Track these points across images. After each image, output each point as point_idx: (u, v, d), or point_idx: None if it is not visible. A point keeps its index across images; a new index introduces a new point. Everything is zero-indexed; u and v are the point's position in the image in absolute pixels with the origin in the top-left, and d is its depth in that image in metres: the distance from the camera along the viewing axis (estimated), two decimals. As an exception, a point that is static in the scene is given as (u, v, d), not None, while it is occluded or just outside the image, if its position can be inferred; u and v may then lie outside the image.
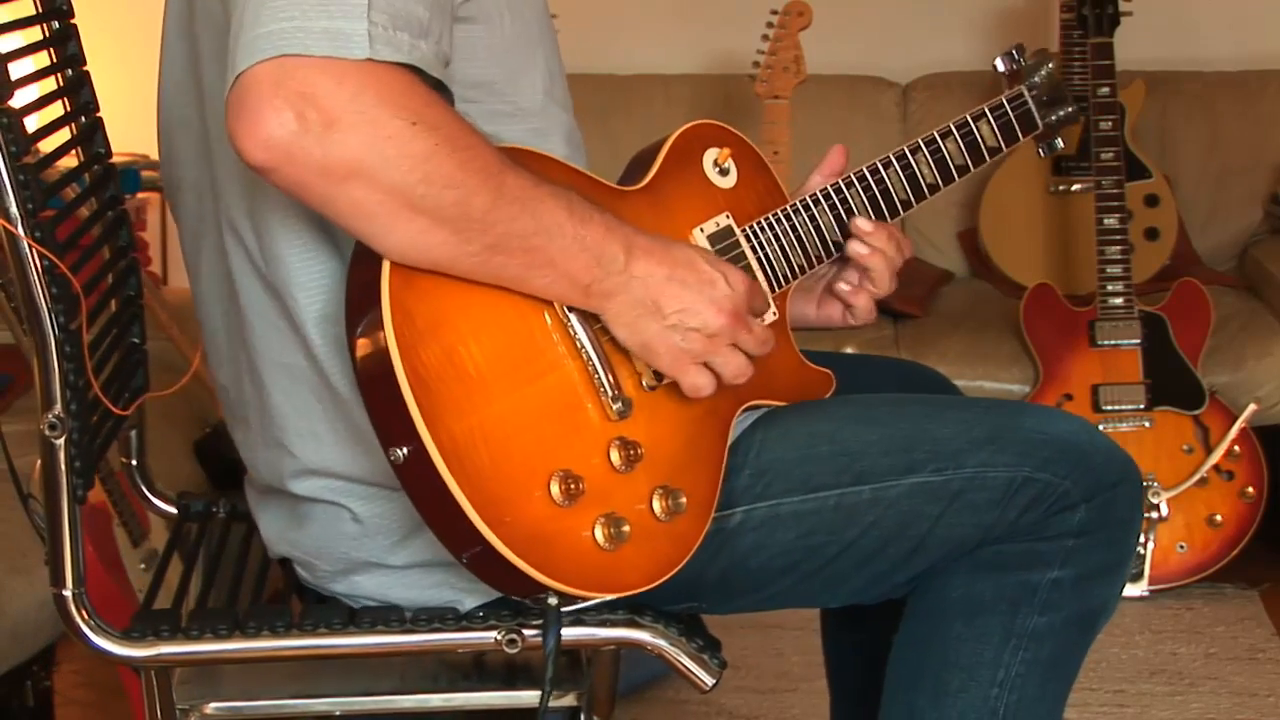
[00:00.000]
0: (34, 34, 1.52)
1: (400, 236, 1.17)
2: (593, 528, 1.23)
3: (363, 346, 1.19)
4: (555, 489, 1.21)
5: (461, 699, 1.45)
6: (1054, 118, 1.61)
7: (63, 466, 1.36)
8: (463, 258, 1.19)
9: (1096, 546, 1.37)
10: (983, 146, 1.57)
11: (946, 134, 1.55)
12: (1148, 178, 3.33)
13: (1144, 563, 2.89)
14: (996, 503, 1.34)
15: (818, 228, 1.47)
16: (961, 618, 1.38)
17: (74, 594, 1.37)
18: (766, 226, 1.44)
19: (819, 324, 1.55)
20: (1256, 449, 2.94)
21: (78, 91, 1.57)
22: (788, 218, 1.46)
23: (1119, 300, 2.99)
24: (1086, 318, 3.01)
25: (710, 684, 1.36)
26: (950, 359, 3.12)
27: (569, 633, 1.31)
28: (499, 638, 1.34)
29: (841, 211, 1.49)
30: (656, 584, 1.26)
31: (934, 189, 1.54)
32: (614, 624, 1.35)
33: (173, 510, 1.76)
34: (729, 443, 1.36)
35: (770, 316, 1.42)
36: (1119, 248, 2.98)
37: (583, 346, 1.26)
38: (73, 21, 1.57)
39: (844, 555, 1.37)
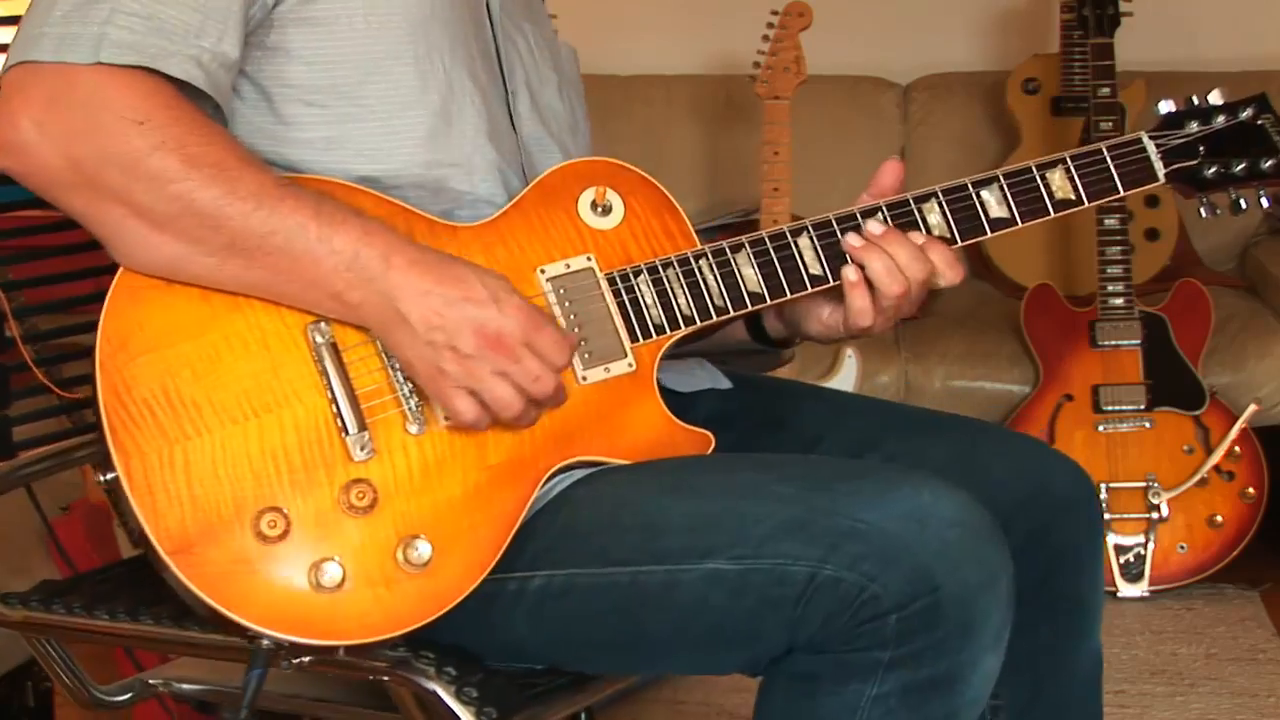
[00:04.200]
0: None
1: (131, 239, 1.19)
2: (307, 570, 1.19)
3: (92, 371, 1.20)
4: (262, 526, 1.18)
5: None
6: (1213, 170, 1.40)
7: None
8: (198, 258, 1.19)
9: (919, 660, 1.15)
10: (1048, 201, 1.37)
11: (987, 182, 1.37)
12: (1148, 178, 3.32)
13: (1144, 563, 2.89)
14: (795, 602, 1.16)
15: (730, 274, 1.34)
16: None
17: None
18: (647, 271, 1.33)
19: (826, 332, 1.41)
20: (1257, 449, 2.94)
21: None
22: (683, 263, 1.33)
23: (1119, 301, 2.98)
24: (1087, 318, 3.01)
25: None
26: (950, 359, 3.12)
27: (352, 659, 1.24)
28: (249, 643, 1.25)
29: (774, 258, 1.34)
30: (385, 638, 1.20)
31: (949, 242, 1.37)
32: (389, 658, 1.26)
33: None
34: (537, 497, 1.27)
35: (624, 368, 1.31)
36: (1119, 248, 2.98)
37: (329, 383, 1.22)
38: None
39: (649, 637, 1.25)
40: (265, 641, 1.19)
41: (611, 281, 1.33)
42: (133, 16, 1.17)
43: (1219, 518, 2.91)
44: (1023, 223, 1.37)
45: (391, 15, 1.30)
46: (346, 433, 1.21)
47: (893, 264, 1.34)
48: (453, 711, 1.24)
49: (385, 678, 1.27)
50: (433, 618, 1.21)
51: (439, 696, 1.25)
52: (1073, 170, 1.37)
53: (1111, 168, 1.38)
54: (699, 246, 1.35)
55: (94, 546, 2.27)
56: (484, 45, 1.40)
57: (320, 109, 1.28)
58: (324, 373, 1.22)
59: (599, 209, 1.35)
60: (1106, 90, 3.05)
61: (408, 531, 1.21)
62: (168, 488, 1.17)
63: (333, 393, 1.22)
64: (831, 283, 1.35)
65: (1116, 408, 2.95)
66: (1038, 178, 1.37)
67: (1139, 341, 2.97)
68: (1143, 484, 2.90)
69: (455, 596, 1.22)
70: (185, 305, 1.21)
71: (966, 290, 3.46)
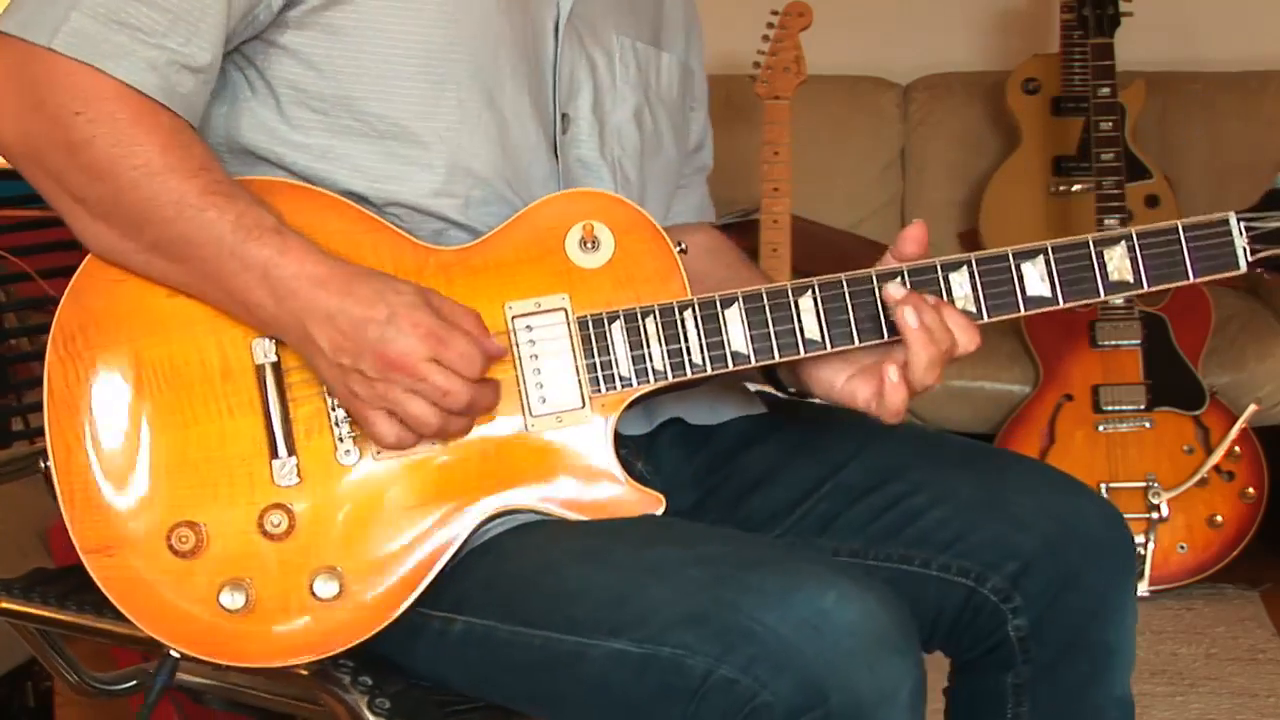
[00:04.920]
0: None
1: (73, 221, 1.21)
2: (214, 589, 1.18)
3: None
4: (174, 539, 1.18)
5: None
6: None
7: None
8: (132, 253, 1.20)
9: None
10: (1100, 282, 1.24)
11: (1031, 254, 1.24)
12: (1148, 178, 3.32)
13: (1144, 563, 2.90)
14: (691, 696, 1.10)
15: (715, 329, 1.25)
16: None
17: None
18: (624, 318, 1.25)
19: (840, 399, 1.30)
20: (1257, 449, 2.94)
21: None
22: (665, 313, 1.25)
23: (1119, 301, 2.99)
24: (1087, 318, 3.01)
25: None
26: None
27: (277, 662, 1.22)
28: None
29: (768, 317, 1.25)
30: (284, 664, 1.20)
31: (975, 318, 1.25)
32: (309, 667, 1.23)
33: None
34: (467, 539, 1.22)
35: (579, 419, 1.24)
36: (1119, 248, 2.98)
37: (265, 402, 1.20)
38: None
39: (564, 698, 1.21)
40: (174, 652, 1.20)
41: (583, 325, 1.25)
42: (99, 6, 1.16)
43: (1219, 518, 2.91)
44: (1064, 303, 1.24)
45: (410, 34, 1.26)
46: (275, 456, 1.20)
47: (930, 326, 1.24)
48: None
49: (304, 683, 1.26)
50: (336, 651, 1.20)
51: (352, 705, 1.23)
52: (1138, 249, 1.24)
53: (1185, 250, 1.24)
54: (688, 296, 1.26)
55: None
56: (535, 66, 1.34)
57: (322, 116, 1.26)
58: (263, 391, 1.20)
59: (587, 245, 1.26)
60: (1106, 90, 3.05)
61: (321, 563, 1.19)
62: (92, 486, 1.18)
63: (267, 413, 1.20)
64: (829, 349, 1.26)
65: (1116, 408, 2.95)
66: (1093, 254, 1.23)
67: (1139, 341, 2.97)
68: (1143, 484, 2.90)
69: (363, 633, 1.20)
70: (145, 302, 1.21)
71: (966, 290, 3.47)
